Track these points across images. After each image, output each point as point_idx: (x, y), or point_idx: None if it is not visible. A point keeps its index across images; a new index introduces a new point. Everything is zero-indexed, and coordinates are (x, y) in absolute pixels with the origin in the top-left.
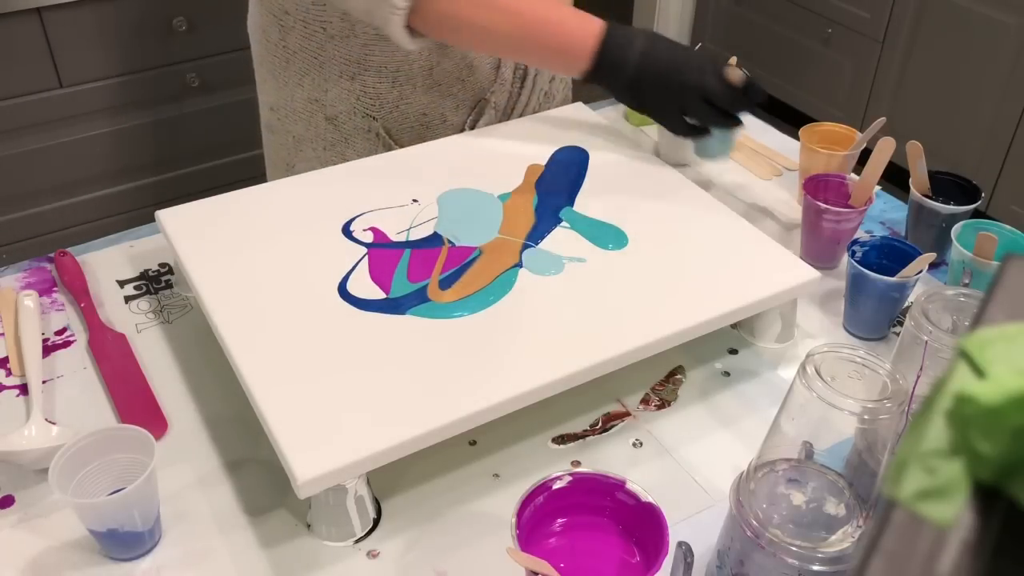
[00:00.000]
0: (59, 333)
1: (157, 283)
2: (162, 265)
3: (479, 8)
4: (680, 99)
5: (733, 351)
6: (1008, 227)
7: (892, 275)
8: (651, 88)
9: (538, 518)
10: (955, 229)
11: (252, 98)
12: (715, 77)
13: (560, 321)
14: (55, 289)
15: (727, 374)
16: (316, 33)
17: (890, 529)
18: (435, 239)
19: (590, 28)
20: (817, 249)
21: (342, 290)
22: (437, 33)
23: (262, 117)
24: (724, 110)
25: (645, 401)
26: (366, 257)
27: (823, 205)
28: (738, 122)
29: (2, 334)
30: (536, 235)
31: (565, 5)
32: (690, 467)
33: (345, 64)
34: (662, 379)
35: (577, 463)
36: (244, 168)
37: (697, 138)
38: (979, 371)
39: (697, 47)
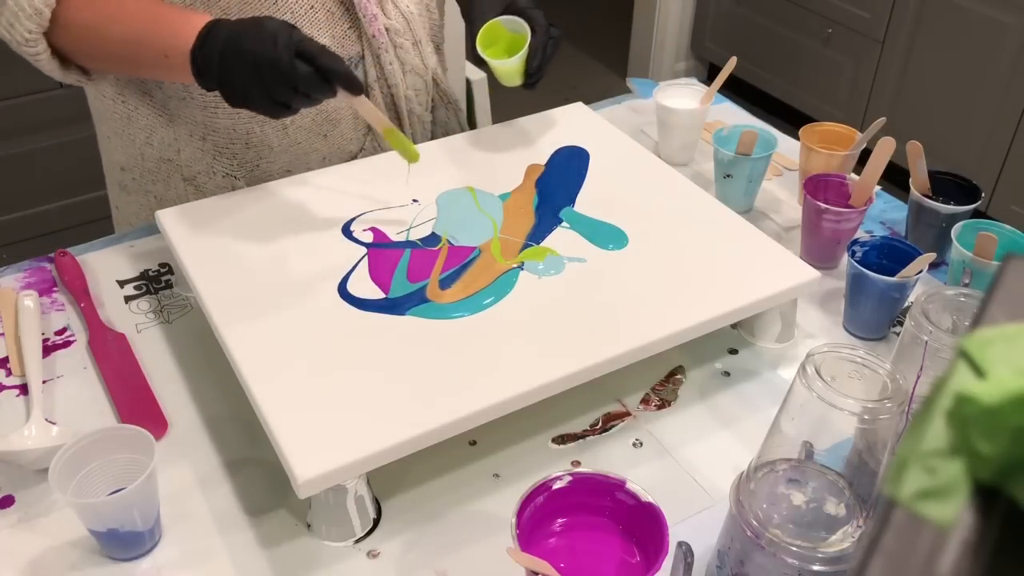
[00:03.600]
0: (59, 333)
1: (157, 283)
2: (162, 265)
3: (94, 10)
4: (265, 88)
5: (733, 351)
6: (1008, 227)
7: (892, 275)
8: (237, 82)
9: (538, 518)
10: (955, 229)
11: None
12: (289, 63)
13: (560, 321)
14: (55, 289)
15: (727, 374)
16: (153, 91)
17: (890, 529)
18: (435, 239)
19: (194, 25)
20: (817, 249)
21: (342, 290)
22: (72, 50)
23: (111, 177)
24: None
25: (645, 401)
26: (366, 257)
27: (823, 205)
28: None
29: (2, 334)
30: (536, 235)
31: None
32: (690, 467)
33: (193, 125)
34: (662, 379)
35: (577, 463)
36: None
37: (281, 112)
38: (979, 371)
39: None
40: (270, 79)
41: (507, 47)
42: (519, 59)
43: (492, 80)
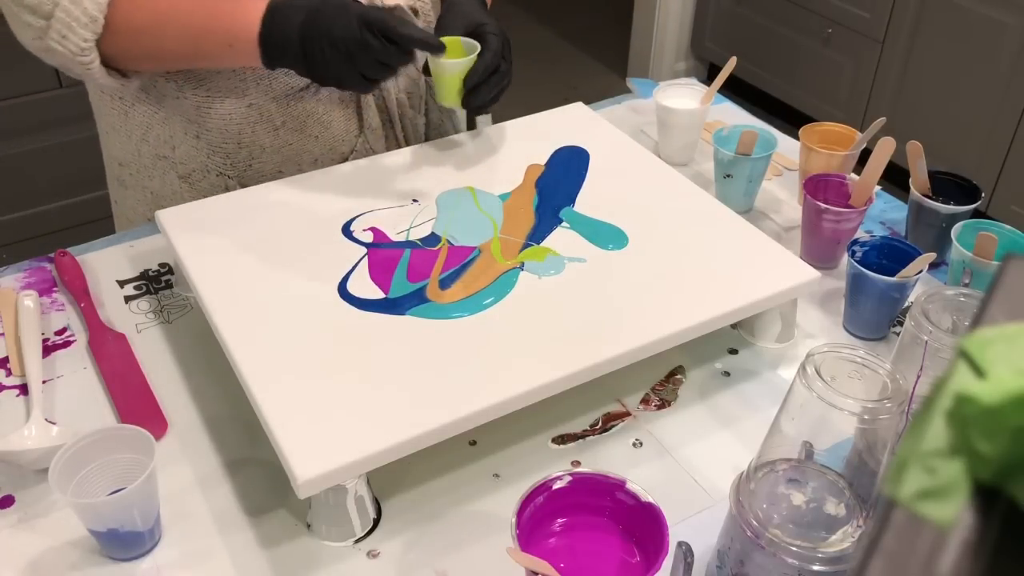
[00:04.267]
0: (59, 333)
1: (157, 283)
2: (162, 265)
3: (147, 11)
4: (357, 68)
5: (733, 351)
6: (1008, 227)
7: (892, 275)
8: (321, 59)
9: (538, 518)
10: (955, 229)
11: None
12: (381, 45)
13: (560, 321)
14: (55, 289)
15: (727, 374)
16: (148, 87)
17: (890, 529)
18: (435, 239)
19: (254, 12)
20: (817, 249)
21: (342, 290)
22: (125, 58)
23: (110, 172)
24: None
25: (645, 401)
26: (366, 257)
27: (823, 205)
28: (405, 60)
29: (2, 334)
30: (536, 235)
31: None
32: (690, 467)
33: (187, 123)
34: (662, 379)
35: (577, 463)
36: None
37: (372, 87)
38: (979, 371)
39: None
40: (362, 61)
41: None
42: (458, 65)
43: None
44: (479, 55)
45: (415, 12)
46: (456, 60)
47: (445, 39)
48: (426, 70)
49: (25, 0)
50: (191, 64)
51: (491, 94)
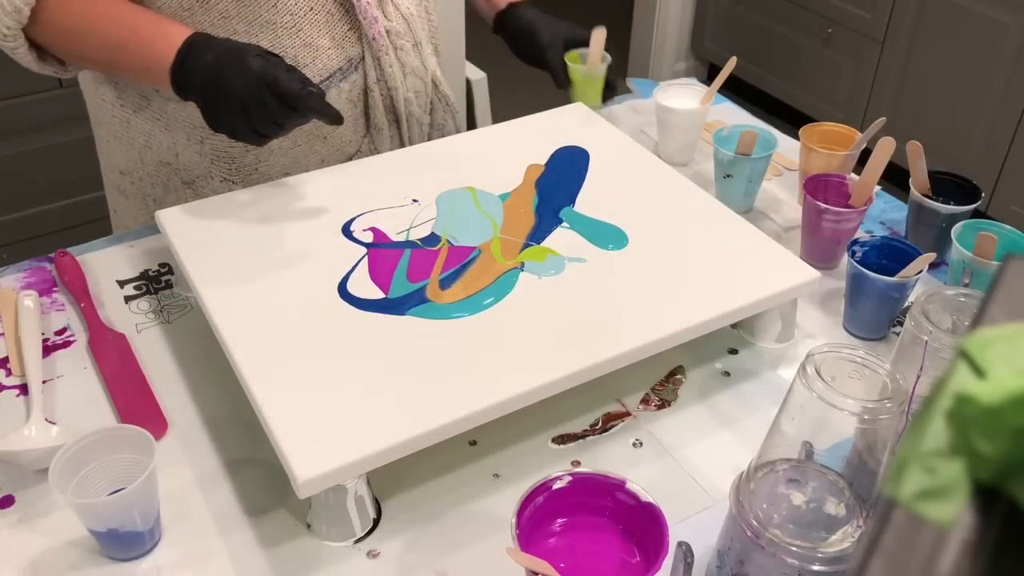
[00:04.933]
0: (59, 333)
1: (157, 283)
2: (162, 265)
3: (73, 15)
4: (250, 124)
5: (733, 351)
6: (1008, 227)
7: (892, 275)
8: (216, 106)
9: (538, 518)
10: (955, 229)
11: None
12: (276, 106)
13: (560, 321)
14: (55, 289)
15: (727, 374)
16: (152, 94)
17: (890, 529)
18: (435, 239)
19: (173, 40)
20: (817, 249)
21: (342, 290)
22: (52, 48)
23: (109, 180)
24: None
25: (645, 401)
26: (366, 257)
27: (823, 205)
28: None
29: (2, 334)
30: (536, 235)
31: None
32: (690, 467)
33: (191, 128)
34: (662, 379)
35: (577, 463)
36: None
37: (263, 141)
38: (979, 371)
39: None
40: (256, 118)
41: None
42: (598, 90)
43: (492, 80)
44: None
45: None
46: (597, 73)
47: (571, 53)
48: (562, 83)
49: None
50: (112, 74)
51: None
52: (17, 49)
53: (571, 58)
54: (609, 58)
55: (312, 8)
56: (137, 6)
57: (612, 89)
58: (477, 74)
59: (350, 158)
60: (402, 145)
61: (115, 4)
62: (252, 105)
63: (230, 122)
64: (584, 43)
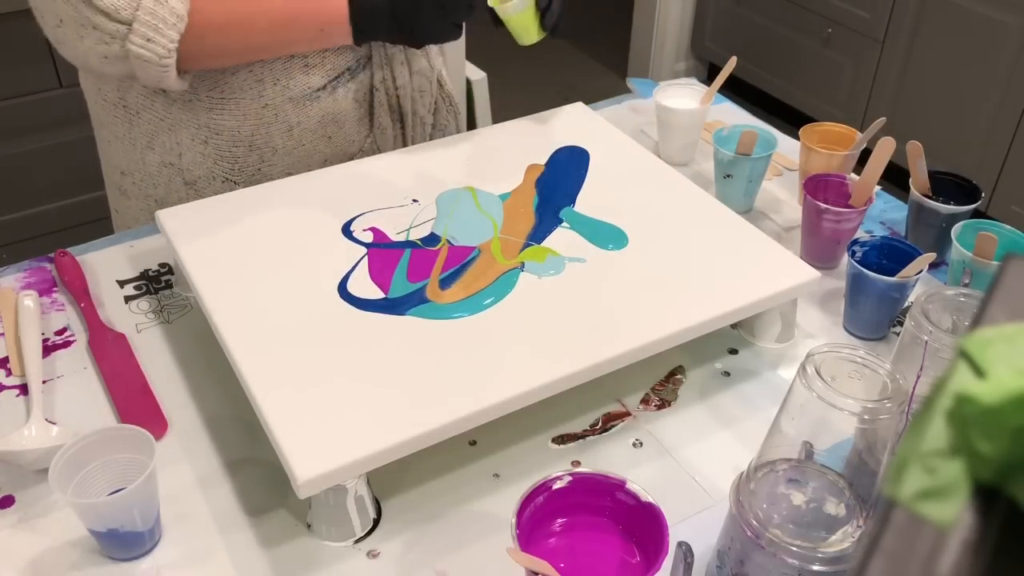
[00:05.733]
0: (59, 333)
1: (157, 283)
2: (162, 265)
3: (233, 9)
4: (447, 17)
5: (733, 351)
6: (1008, 227)
7: (892, 275)
8: (415, 13)
9: (538, 518)
10: (955, 229)
11: None
12: None
13: (560, 321)
14: (55, 289)
15: (727, 374)
16: (156, 95)
17: (890, 529)
18: (435, 239)
19: None
20: (817, 249)
21: (342, 290)
22: (206, 57)
23: (110, 181)
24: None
25: (645, 401)
26: (366, 257)
27: (823, 205)
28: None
29: (2, 334)
30: (537, 235)
31: None
32: (690, 467)
33: (195, 128)
34: (662, 379)
35: (577, 463)
36: None
37: (459, 32)
38: (979, 371)
39: None
40: (451, 7)
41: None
42: (526, 8)
43: (492, 80)
44: None
45: None
46: (512, 6)
47: None
48: (496, 21)
49: (101, 6)
50: (275, 54)
51: (561, 8)
52: (171, 67)
53: None
54: None
55: None
56: None
57: (551, 16)
58: (477, 74)
59: (351, 158)
60: (404, 145)
61: None
62: (458, 12)
63: (430, 23)
64: None
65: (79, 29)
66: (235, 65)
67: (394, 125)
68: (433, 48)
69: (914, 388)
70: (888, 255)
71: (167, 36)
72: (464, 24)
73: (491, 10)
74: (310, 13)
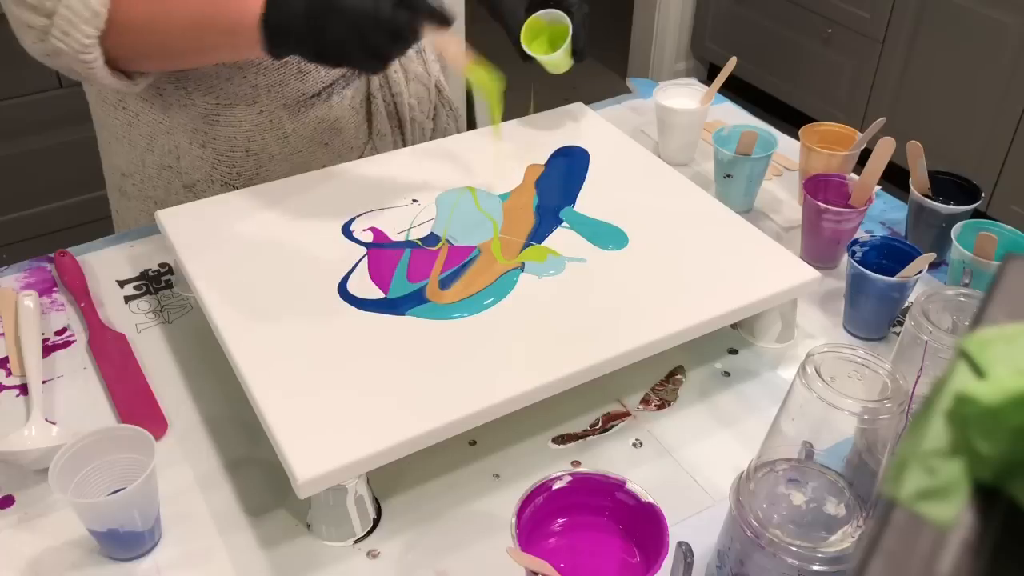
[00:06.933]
0: (59, 333)
1: (157, 283)
2: (162, 265)
3: (154, 10)
4: (365, 41)
5: (733, 351)
6: (1008, 227)
7: (892, 275)
8: (329, 33)
9: (538, 518)
10: (955, 229)
11: None
12: (391, 11)
13: (560, 321)
14: (55, 289)
15: (727, 374)
16: (154, 97)
17: (890, 529)
18: (434, 239)
19: None
20: (817, 249)
21: (342, 290)
22: (128, 57)
23: (111, 182)
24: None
25: (645, 401)
26: (366, 257)
27: (823, 205)
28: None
29: (2, 334)
30: (537, 235)
31: None
32: (690, 467)
33: (194, 132)
34: (662, 379)
35: (577, 463)
36: None
37: (382, 67)
38: (979, 371)
39: None
40: (371, 31)
41: (549, 38)
42: (564, 51)
43: None
44: (572, 27)
45: None
46: (559, 51)
47: (530, 19)
48: (524, 56)
49: (28, 1)
50: (196, 60)
51: (586, 40)
52: (95, 63)
53: (533, 28)
54: (568, 38)
55: None
56: None
57: (581, 50)
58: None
59: None
60: None
61: None
62: (367, 17)
63: (343, 48)
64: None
65: (20, 29)
66: (173, 68)
67: (393, 132)
68: (430, 54)
69: (914, 388)
70: (888, 255)
71: (82, 31)
72: (390, 57)
73: (521, 49)
74: (223, 16)
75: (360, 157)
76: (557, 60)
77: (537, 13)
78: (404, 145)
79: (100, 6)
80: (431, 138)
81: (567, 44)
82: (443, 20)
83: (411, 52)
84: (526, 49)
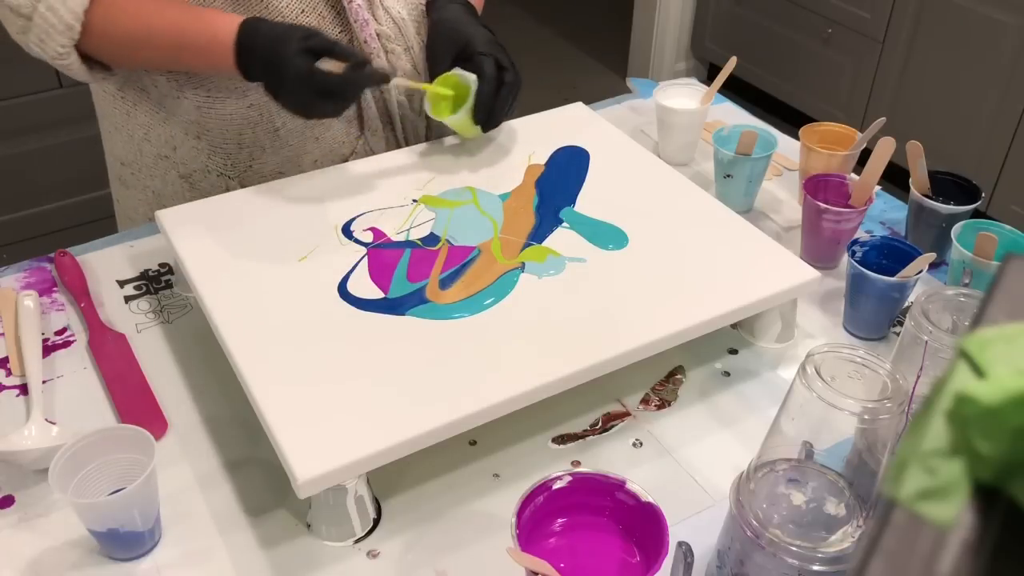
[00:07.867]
0: (59, 333)
1: (157, 283)
2: (162, 265)
3: (128, 20)
4: (310, 106)
5: (733, 351)
6: (1008, 227)
7: (892, 275)
8: (282, 101)
9: (538, 518)
10: (955, 229)
11: None
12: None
13: (560, 321)
14: (55, 289)
15: (727, 374)
16: (150, 88)
17: (890, 529)
18: (434, 239)
19: (230, 21)
20: (817, 249)
21: (342, 290)
22: (108, 61)
23: (112, 171)
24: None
25: (645, 401)
26: (366, 257)
27: (823, 205)
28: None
29: (2, 334)
30: (537, 235)
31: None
32: (690, 467)
33: (188, 123)
34: (662, 379)
35: (577, 463)
36: None
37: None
38: (979, 371)
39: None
40: (316, 106)
41: (464, 98)
42: (464, 113)
43: None
44: (476, 88)
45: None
46: (459, 112)
47: (445, 76)
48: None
49: (9, 3)
50: (174, 70)
51: (504, 109)
52: (71, 66)
53: (445, 81)
54: (470, 101)
55: (303, 11)
56: (176, 5)
57: (483, 122)
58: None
59: (345, 159)
60: (399, 146)
61: (158, 9)
62: (307, 97)
63: (298, 109)
64: (473, 54)
65: (3, 15)
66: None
67: (385, 127)
68: (419, 52)
69: (914, 388)
70: (888, 255)
71: (56, 41)
72: (337, 112)
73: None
74: (196, 52)
75: (352, 153)
76: (455, 122)
77: (453, 70)
78: (397, 142)
79: (74, 20)
80: (426, 136)
81: (468, 107)
82: (383, 80)
83: (399, 49)
84: (427, 108)
